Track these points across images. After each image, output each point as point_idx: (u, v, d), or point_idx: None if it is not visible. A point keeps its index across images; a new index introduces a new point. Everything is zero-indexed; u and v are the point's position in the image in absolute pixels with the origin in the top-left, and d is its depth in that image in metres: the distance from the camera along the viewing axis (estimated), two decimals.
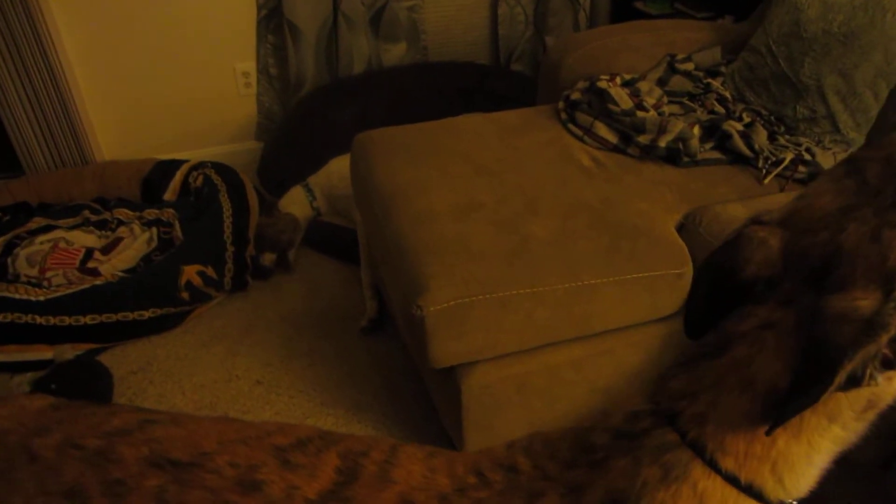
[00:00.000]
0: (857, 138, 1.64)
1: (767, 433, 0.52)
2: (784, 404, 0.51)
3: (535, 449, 0.64)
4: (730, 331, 0.57)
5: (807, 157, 1.57)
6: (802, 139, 1.63)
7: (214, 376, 1.75)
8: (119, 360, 1.79)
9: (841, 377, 0.47)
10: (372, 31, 2.54)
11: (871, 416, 0.56)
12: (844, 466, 1.11)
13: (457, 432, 1.38)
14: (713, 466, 0.55)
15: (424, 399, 1.64)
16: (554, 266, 1.27)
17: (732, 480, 0.55)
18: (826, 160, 1.57)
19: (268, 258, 2.06)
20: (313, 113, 2.37)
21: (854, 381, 0.49)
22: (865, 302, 0.48)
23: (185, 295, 1.84)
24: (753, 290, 0.57)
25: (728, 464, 0.55)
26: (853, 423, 0.55)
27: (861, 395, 0.53)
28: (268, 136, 2.52)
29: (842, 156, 1.59)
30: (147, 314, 1.79)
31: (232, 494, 0.63)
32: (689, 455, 0.56)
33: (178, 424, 0.71)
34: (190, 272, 1.84)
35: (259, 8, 2.38)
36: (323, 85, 2.51)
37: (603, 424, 0.62)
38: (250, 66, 2.48)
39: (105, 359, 1.77)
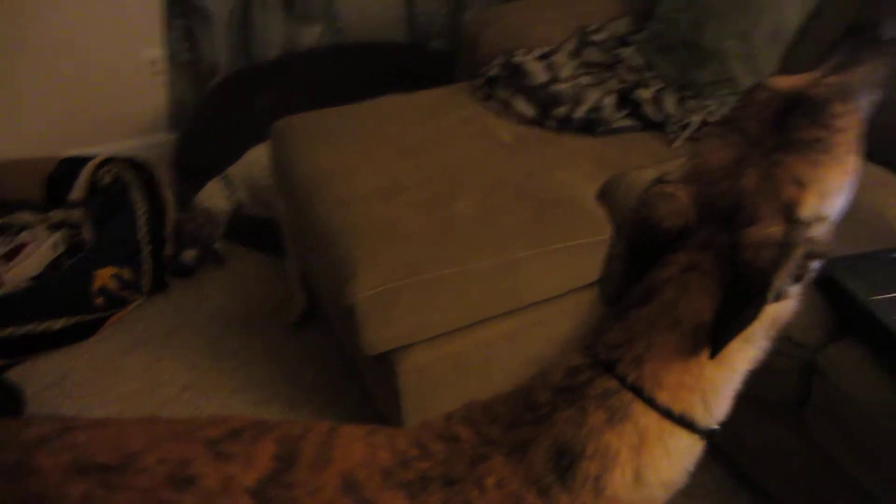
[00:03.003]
0: None
1: (711, 356, 0.57)
2: (719, 330, 0.56)
3: (474, 417, 0.65)
4: (654, 279, 0.61)
5: (712, 119, 1.63)
6: (708, 102, 1.69)
7: (138, 385, 1.67)
8: (30, 375, 1.68)
9: (772, 294, 0.54)
10: (286, 13, 2.45)
11: (774, 333, 0.62)
12: (762, 405, 1.17)
13: (396, 418, 1.38)
14: (651, 403, 0.59)
15: (361, 388, 1.62)
16: (481, 243, 1.28)
17: (666, 413, 0.59)
18: None
19: (188, 255, 1.97)
20: (229, 100, 2.28)
21: (777, 298, 0.55)
22: (775, 228, 0.55)
23: (100, 300, 1.74)
24: (668, 244, 0.61)
25: (663, 397, 0.59)
26: (762, 342, 0.61)
27: (767, 314, 0.58)
28: (182, 126, 2.41)
29: None
30: (58, 324, 1.68)
31: (164, 492, 0.61)
32: (630, 396, 0.59)
33: (101, 427, 0.68)
34: (103, 276, 1.74)
35: None
36: (238, 70, 2.42)
37: (542, 383, 0.64)
38: (157, 52, 2.35)
39: (15, 375, 1.66)
